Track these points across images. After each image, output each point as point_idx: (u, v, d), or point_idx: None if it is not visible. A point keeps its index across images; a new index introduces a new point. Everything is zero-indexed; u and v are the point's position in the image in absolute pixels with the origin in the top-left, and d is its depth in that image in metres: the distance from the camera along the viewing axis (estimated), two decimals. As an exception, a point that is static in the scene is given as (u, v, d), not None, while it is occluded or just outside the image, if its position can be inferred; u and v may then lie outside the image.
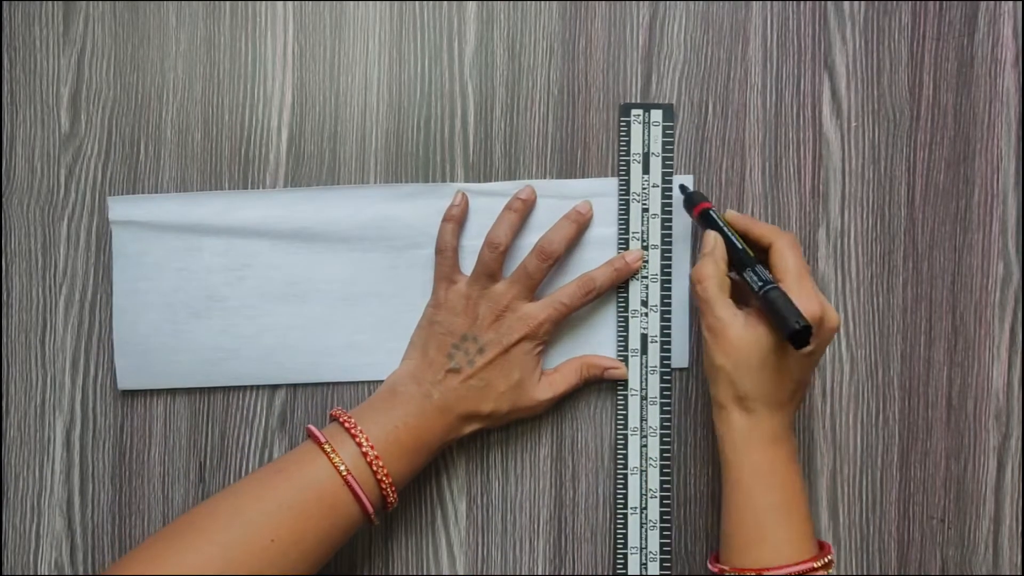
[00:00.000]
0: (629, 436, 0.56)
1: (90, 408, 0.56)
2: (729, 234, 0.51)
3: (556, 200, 0.56)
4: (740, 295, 0.50)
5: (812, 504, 0.57)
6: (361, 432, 0.50)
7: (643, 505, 0.56)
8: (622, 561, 0.56)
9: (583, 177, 0.57)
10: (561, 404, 0.57)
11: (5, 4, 0.56)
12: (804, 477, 0.54)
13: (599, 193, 0.56)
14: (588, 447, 0.57)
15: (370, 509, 0.49)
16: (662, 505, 0.56)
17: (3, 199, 0.56)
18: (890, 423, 0.58)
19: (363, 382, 0.57)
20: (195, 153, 0.56)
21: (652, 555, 0.55)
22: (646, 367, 0.56)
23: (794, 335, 0.45)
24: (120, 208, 0.55)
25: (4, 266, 0.56)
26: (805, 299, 0.47)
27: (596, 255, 0.56)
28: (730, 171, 0.57)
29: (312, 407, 0.57)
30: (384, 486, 0.49)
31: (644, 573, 0.55)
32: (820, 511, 0.57)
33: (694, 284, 0.50)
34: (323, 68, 0.57)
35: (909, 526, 0.58)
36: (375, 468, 0.49)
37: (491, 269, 0.53)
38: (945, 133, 0.58)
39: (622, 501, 0.56)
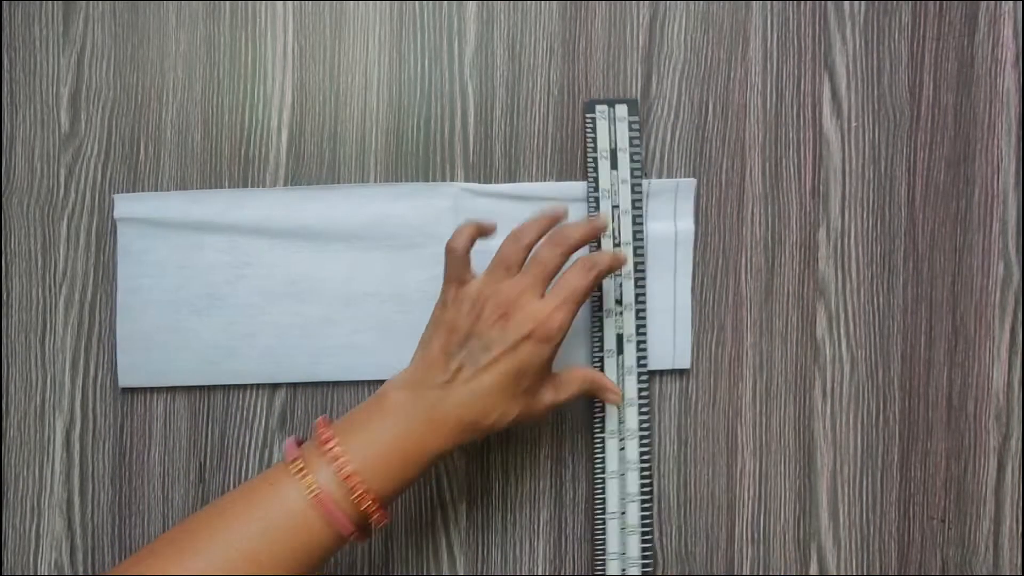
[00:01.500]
0: (607, 439, 0.55)
1: (90, 408, 0.56)
2: None
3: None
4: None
5: (812, 504, 0.57)
6: (341, 451, 0.45)
7: (622, 510, 0.55)
8: (601, 565, 0.55)
9: (583, 179, 0.57)
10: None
11: (5, 4, 0.56)
12: None
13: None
14: (588, 448, 0.57)
15: (350, 533, 0.45)
16: (642, 509, 0.55)
17: (3, 199, 0.56)
18: (890, 423, 0.58)
19: (363, 382, 0.57)
20: (195, 153, 0.56)
21: (633, 560, 0.55)
22: (622, 368, 0.55)
23: None
24: (125, 205, 0.55)
25: (4, 266, 0.56)
26: None
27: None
28: (730, 171, 0.57)
29: (312, 407, 0.57)
30: (367, 507, 0.45)
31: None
32: (820, 511, 0.57)
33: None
34: (323, 68, 0.57)
35: (909, 526, 0.58)
36: (357, 491, 0.45)
37: (509, 261, 0.49)
38: (945, 133, 0.58)
39: (600, 506, 0.55)
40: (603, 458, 0.55)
